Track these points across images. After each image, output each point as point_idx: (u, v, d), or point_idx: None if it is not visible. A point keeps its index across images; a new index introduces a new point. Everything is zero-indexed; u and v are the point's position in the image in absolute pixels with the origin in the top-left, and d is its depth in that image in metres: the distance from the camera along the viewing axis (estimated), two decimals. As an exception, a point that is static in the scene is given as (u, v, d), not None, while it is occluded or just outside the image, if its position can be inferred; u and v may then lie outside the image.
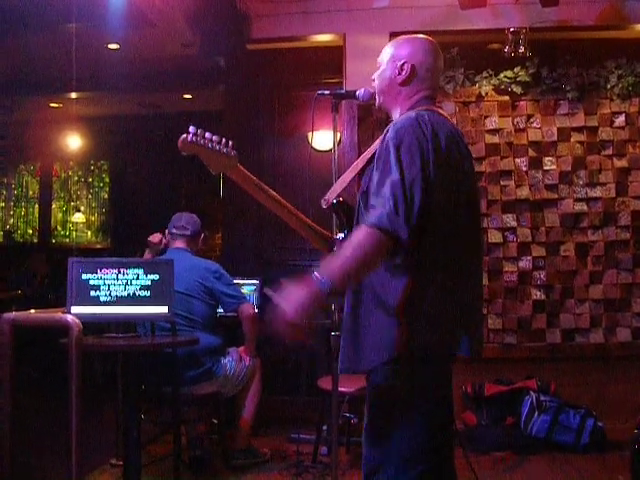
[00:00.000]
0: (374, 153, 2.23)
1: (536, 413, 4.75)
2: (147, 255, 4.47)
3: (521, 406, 4.84)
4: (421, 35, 2.39)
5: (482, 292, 2.34)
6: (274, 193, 2.44)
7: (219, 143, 2.31)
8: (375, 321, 2.09)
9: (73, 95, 8.27)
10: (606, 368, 5.17)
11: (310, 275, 1.97)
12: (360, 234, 1.98)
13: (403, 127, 2.09)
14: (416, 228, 1.97)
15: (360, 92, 2.67)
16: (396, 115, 2.34)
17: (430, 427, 2.12)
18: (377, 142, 2.30)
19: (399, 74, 2.30)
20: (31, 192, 11.33)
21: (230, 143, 2.34)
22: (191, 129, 2.25)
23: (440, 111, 2.26)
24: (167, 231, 4.46)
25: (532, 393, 4.85)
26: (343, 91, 2.95)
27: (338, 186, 2.50)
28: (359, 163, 2.43)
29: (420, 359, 2.07)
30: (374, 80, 2.42)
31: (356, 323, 2.17)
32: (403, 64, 2.30)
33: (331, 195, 2.47)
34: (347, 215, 2.44)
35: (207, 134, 2.29)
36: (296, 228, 2.51)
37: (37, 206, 11.22)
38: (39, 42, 6.42)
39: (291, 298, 1.96)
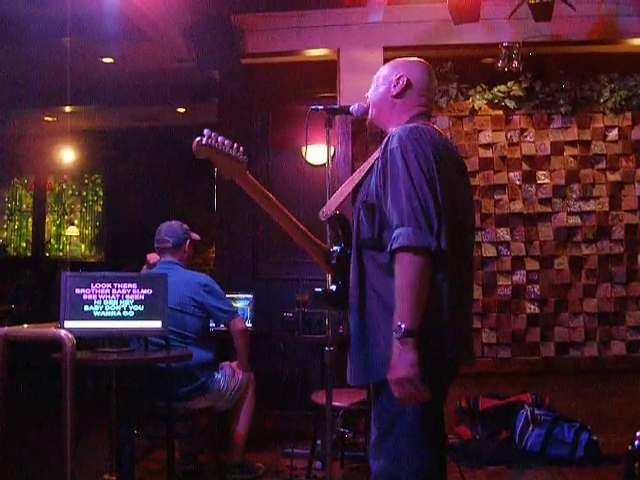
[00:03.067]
0: (372, 165, 2.25)
1: (531, 427, 4.73)
2: (144, 271, 4.45)
3: (516, 420, 4.83)
4: (416, 58, 2.44)
5: (472, 304, 2.36)
6: (279, 203, 2.43)
7: (231, 147, 2.32)
8: (384, 331, 2.06)
9: (67, 109, 8.28)
10: (600, 382, 5.17)
11: (393, 336, 1.97)
12: (398, 265, 1.99)
13: (405, 135, 2.12)
14: (440, 232, 2.01)
15: (354, 107, 2.64)
16: (391, 129, 2.34)
17: (436, 442, 2.13)
18: (375, 155, 2.31)
19: (394, 87, 2.35)
20: (25, 205, 11.32)
21: (241, 149, 2.34)
22: (205, 132, 2.24)
23: (435, 126, 2.30)
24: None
25: (527, 407, 4.84)
26: (337, 106, 2.93)
27: (336, 199, 2.49)
28: (355, 176, 2.44)
29: (430, 372, 2.03)
30: (367, 97, 2.45)
31: (364, 332, 2.16)
32: (399, 77, 2.35)
33: (329, 208, 2.47)
34: (343, 229, 2.44)
35: (220, 138, 2.28)
36: (297, 240, 2.49)
37: (31, 219, 11.20)
38: (34, 55, 6.43)
39: (400, 364, 1.96)
